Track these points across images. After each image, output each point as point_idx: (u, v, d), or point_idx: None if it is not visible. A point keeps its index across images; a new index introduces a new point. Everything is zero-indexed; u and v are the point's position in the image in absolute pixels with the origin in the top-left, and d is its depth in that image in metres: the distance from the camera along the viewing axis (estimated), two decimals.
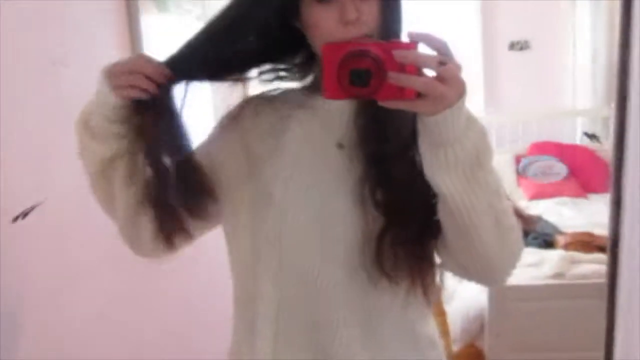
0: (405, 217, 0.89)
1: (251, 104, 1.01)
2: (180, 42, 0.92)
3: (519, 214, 0.85)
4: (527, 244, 3.09)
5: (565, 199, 3.69)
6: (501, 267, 0.91)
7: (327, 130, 0.95)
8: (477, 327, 2.70)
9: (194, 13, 2.14)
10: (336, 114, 0.94)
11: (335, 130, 0.95)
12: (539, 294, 2.58)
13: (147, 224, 0.95)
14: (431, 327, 1.06)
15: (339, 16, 0.84)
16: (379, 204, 0.89)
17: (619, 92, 0.82)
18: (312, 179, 0.94)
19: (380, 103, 0.75)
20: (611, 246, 0.48)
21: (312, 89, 0.98)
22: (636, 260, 0.49)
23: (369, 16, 0.86)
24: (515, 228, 0.88)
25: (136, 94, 0.86)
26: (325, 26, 0.86)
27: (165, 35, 1.88)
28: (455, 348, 2.78)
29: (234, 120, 1.01)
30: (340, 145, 0.94)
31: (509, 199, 0.89)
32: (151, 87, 0.86)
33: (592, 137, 4.30)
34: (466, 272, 0.93)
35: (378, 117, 0.87)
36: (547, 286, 2.59)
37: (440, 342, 1.09)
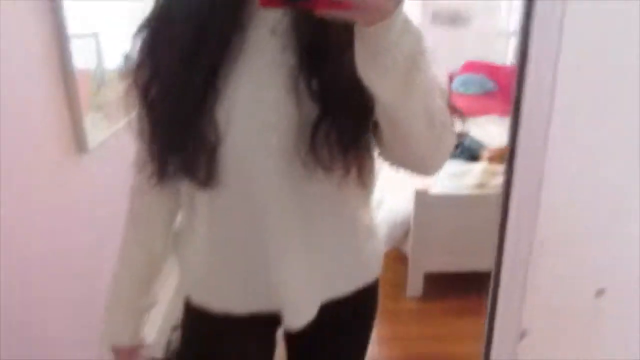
0: (341, 107, 0.88)
1: None
2: None
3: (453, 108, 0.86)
4: (454, 157, 3.23)
5: (493, 116, 3.85)
6: (434, 162, 0.93)
7: (260, 17, 0.92)
8: (402, 233, 2.85)
9: None
10: None
11: (269, 16, 0.91)
12: (461, 202, 2.74)
13: None
14: (369, 216, 1.10)
15: None
16: (314, 94, 0.89)
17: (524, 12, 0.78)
18: (244, 66, 0.91)
19: (317, 14, 0.73)
20: (509, 157, 0.51)
21: None
22: (529, 172, 0.52)
23: None
24: (448, 125, 0.89)
25: None
26: None
27: None
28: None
29: None
30: (273, 32, 0.92)
31: (443, 93, 0.91)
32: None
33: None
34: (401, 164, 0.95)
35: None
36: (469, 196, 2.74)
37: (378, 231, 1.15)
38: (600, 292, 0.43)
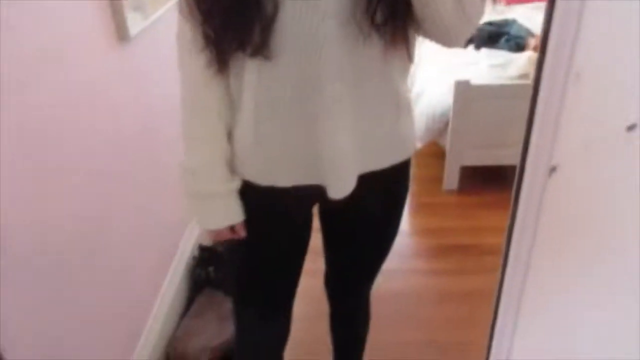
0: None
1: None
2: None
3: None
4: (500, 47, 3.11)
5: (541, 4, 3.64)
6: (458, 36, 0.97)
7: None
8: (441, 126, 2.83)
9: None
10: None
11: None
12: (503, 93, 2.67)
13: None
14: (408, 95, 1.13)
15: None
16: None
17: None
18: None
19: None
20: (542, 45, 0.49)
21: None
22: (559, 59, 0.50)
23: None
24: (477, 4, 0.93)
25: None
26: None
27: None
28: (419, 145, 2.95)
29: None
30: None
31: None
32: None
33: None
34: (428, 35, 0.99)
35: None
36: (511, 86, 2.67)
37: (414, 113, 1.18)
38: (631, 127, 0.43)
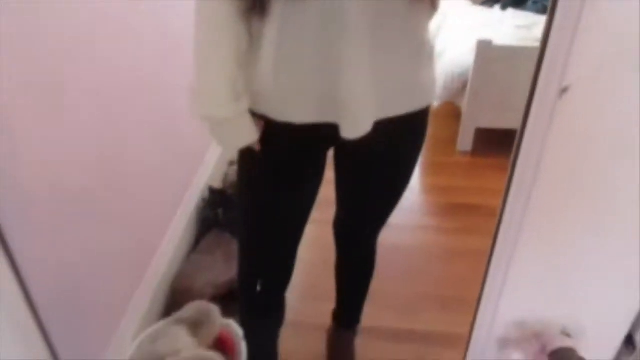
0: None
1: None
2: None
3: None
4: (526, 8, 3.03)
5: None
6: None
7: None
8: (460, 86, 2.79)
9: None
10: None
11: None
12: (525, 55, 2.60)
13: None
14: (432, 43, 1.12)
15: None
16: None
17: None
18: None
19: None
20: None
21: None
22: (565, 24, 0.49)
23: None
24: None
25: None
26: None
27: None
28: (435, 105, 2.92)
29: None
30: None
31: None
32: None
33: None
34: None
35: None
36: (534, 49, 2.59)
37: (436, 60, 1.16)
38: None
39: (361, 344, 1.81)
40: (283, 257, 1.34)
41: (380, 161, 1.23)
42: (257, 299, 1.39)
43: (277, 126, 1.11)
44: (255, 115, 1.12)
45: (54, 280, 1.27)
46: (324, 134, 1.12)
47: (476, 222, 2.41)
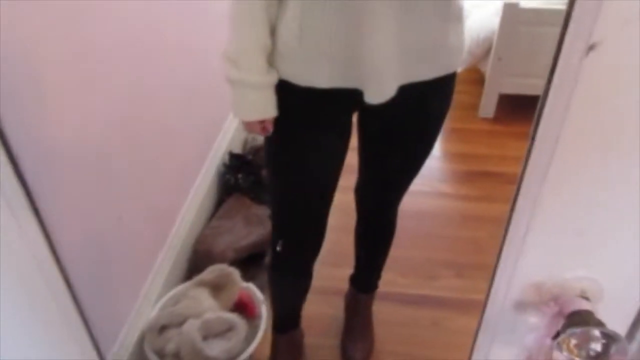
0: None
1: None
2: None
3: None
4: None
5: None
6: None
7: None
8: (484, 51, 2.73)
9: None
10: None
11: None
12: (552, 19, 2.52)
13: None
14: (460, 6, 1.09)
15: None
16: None
17: None
18: None
19: None
20: None
21: None
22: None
23: None
24: None
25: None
26: None
27: None
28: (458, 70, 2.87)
29: None
30: None
31: None
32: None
33: None
34: None
35: None
36: (562, 12, 2.52)
37: (465, 21, 1.13)
38: None
39: (377, 308, 1.84)
40: (309, 221, 1.34)
41: (404, 127, 1.22)
42: (280, 259, 1.41)
43: (301, 92, 1.10)
44: (280, 82, 1.11)
45: (80, 240, 1.30)
46: (347, 99, 1.11)
47: (496, 189, 2.39)
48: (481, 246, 2.10)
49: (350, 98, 1.10)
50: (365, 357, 1.73)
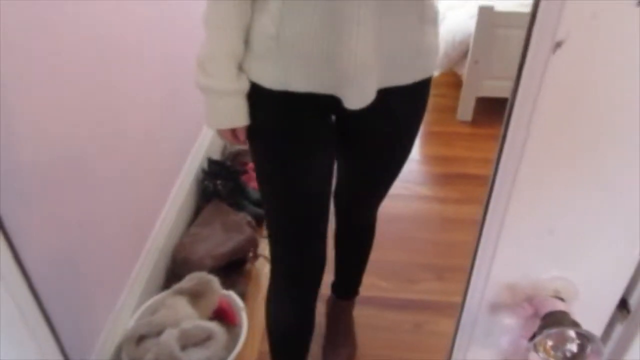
0: None
1: None
2: None
3: None
4: None
5: None
6: None
7: None
8: (460, 54, 2.75)
9: None
10: None
11: None
12: (527, 21, 2.56)
13: None
14: (435, 11, 1.09)
15: None
16: None
17: None
18: None
19: None
20: None
21: None
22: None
23: None
24: None
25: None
26: None
27: None
28: (435, 74, 2.89)
29: None
30: None
31: None
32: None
33: None
34: None
35: None
36: None
37: (438, 23, 1.13)
38: None
39: (359, 313, 1.83)
40: (309, 239, 1.26)
41: (381, 133, 1.21)
42: (283, 283, 1.32)
43: (275, 97, 1.08)
44: (254, 85, 1.09)
45: (49, 252, 1.27)
46: (323, 107, 1.10)
47: (475, 191, 2.40)
48: (461, 248, 2.11)
49: (326, 106, 1.08)
50: None
